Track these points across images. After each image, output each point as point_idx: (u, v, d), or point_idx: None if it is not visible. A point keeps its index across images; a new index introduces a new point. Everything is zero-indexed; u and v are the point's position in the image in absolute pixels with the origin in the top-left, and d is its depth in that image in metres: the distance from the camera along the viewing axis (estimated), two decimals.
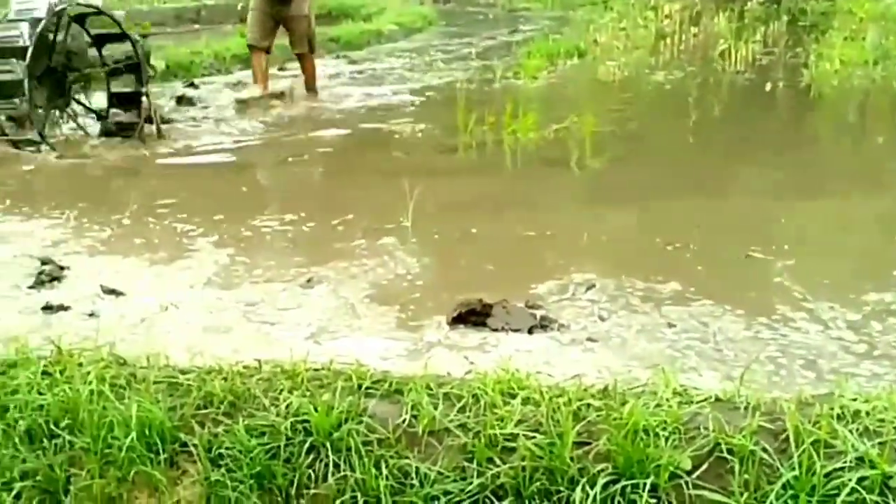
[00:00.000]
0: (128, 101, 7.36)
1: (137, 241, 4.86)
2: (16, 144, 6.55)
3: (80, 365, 2.88)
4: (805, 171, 6.11)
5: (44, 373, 2.86)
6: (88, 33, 7.16)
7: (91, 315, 3.86)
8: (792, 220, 4.98)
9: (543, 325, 3.56)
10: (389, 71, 11.21)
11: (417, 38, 14.68)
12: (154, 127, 7.32)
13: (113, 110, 7.47)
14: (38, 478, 2.62)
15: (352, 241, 4.71)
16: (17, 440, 2.66)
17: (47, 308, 3.94)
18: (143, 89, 7.26)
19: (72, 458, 2.67)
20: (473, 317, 3.59)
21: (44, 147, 6.61)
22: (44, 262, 4.43)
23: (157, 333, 3.59)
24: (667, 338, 3.48)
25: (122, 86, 7.36)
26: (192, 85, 10.06)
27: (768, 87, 9.07)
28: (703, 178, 6.01)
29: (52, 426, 2.69)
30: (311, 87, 9.35)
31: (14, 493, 2.60)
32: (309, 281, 4.16)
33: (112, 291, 4.11)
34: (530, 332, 3.52)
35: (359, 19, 15.52)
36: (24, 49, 6.33)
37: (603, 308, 3.75)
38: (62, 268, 4.40)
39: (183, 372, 2.90)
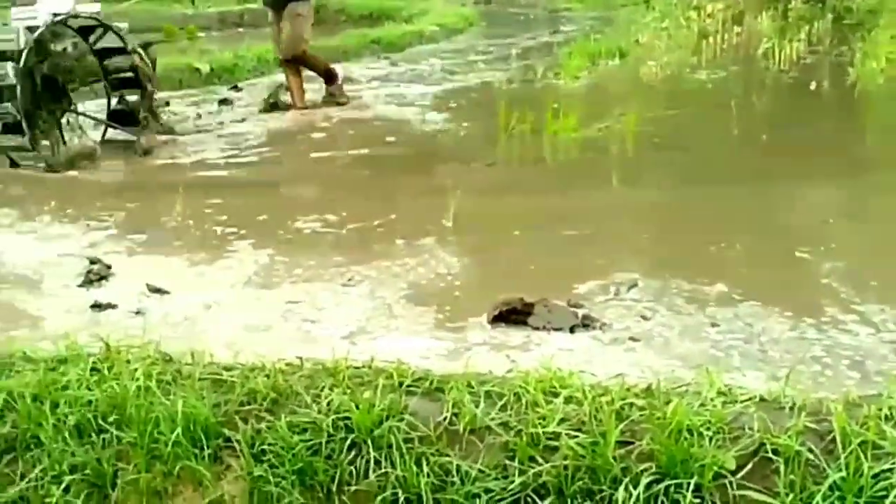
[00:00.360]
0: (128, 115, 7.30)
1: (177, 243, 4.89)
2: (7, 153, 6.44)
3: (128, 362, 2.93)
4: (852, 170, 6.02)
5: (93, 369, 2.91)
6: (91, 46, 7.07)
7: (137, 313, 3.92)
8: (840, 221, 4.91)
9: (585, 323, 3.54)
10: (430, 72, 11.23)
11: (459, 40, 14.70)
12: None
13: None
14: (87, 471, 2.67)
15: (393, 241, 4.72)
16: (66, 434, 2.71)
17: (95, 306, 4.00)
18: (144, 103, 7.23)
19: (119, 453, 2.71)
20: (514, 315, 3.58)
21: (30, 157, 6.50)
22: (92, 262, 4.50)
23: (199, 331, 3.63)
24: (710, 337, 3.45)
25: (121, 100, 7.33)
26: (235, 87, 10.16)
27: (813, 85, 8.94)
28: (748, 177, 5.94)
29: (100, 421, 2.74)
30: (294, 102, 8.74)
31: (63, 486, 2.65)
32: (350, 280, 4.18)
33: (157, 290, 4.17)
34: (572, 330, 3.50)
35: (400, 21, 15.58)
36: (19, 53, 6.27)
37: (645, 307, 3.72)
38: (109, 267, 4.46)
39: (227, 369, 2.94)
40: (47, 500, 2.66)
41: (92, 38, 7.07)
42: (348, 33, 13.77)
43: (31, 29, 6.38)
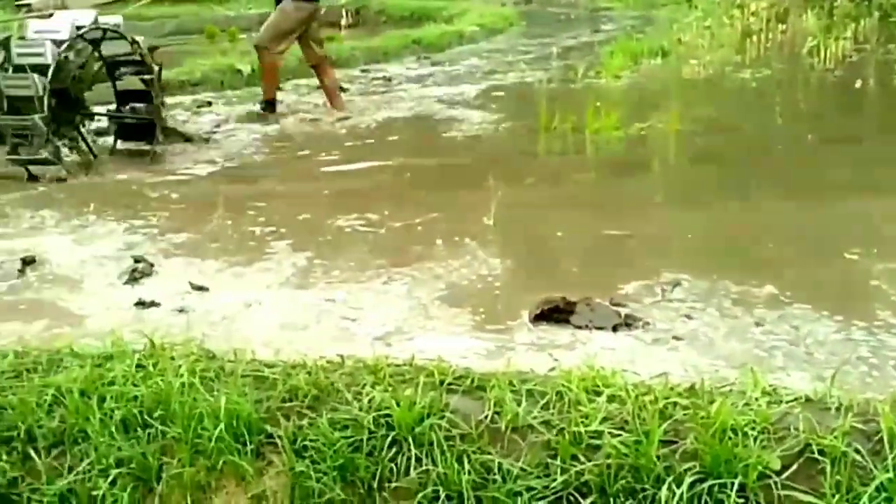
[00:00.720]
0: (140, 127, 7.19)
1: (216, 244, 4.92)
2: (27, 165, 6.37)
3: (172, 358, 2.96)
4: None
5: (138, 365, 2.95)
6: (101, 57, 6.92)
7: (180, 311, 3.96)
8: (889, 222, 4.82)
9: (628, 322, 3.52)
10: (471, 71, 11.22)
11: (499, 39, 14.66)
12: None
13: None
14: (132, 465, 2.70)
15: (434, 240, 4.72)
16: (113, 429, 2.75)
17: (139, 303, 4.05)
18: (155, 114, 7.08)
19: (164, 447, 2.74)
20: (556, 314, 3.57)
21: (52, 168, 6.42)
22: (136, 260, 4.55)
23: (238, 329, 3.65)
24: (754, 338, 3.42)
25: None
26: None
27: (858, 84, 8.82)
28: (793, 176, 5.87)
29: (145, 416, 2.77)
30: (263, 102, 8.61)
31: (110, 479, 2.68)
32: (389, 279, 4.19)
33: (200, 288, 4.21)
34: (614, 329, 3.49)
35: (440, 21, 15.58)
36: (47, 67, 6.23)
37: (689, 307, 3.69)
38: (152, 265, 4.52)
39: (269, 366, 2.96)
40: (94, 492, 2.69)
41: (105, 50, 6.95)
42: (389, 34, 13.81)
43: (56, 42, 6.34)
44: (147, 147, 7.04)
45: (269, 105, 8.64)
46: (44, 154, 6.29)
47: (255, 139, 7.81)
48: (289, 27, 8.38)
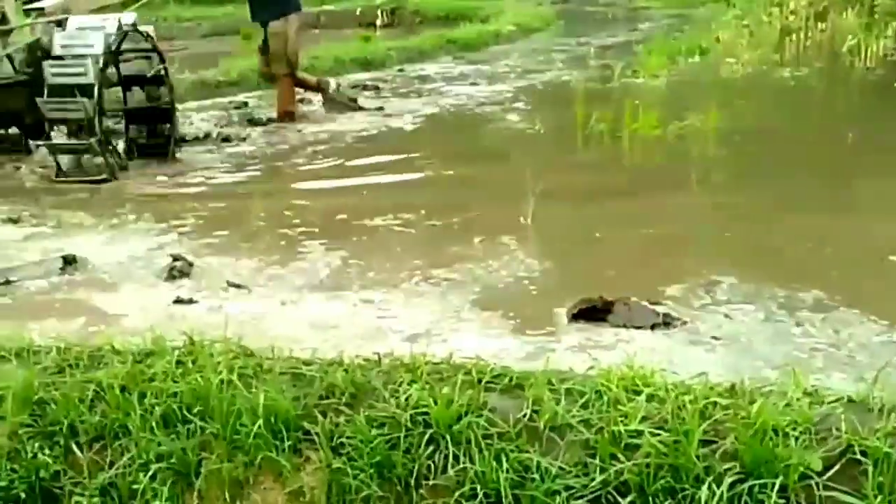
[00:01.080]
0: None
1: (250, 244, 4.95)
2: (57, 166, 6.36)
3: (211, 356, 2.98)
4: None
5: (178, 362, 2.97)
6: (119, 71, 6.96)
7: (217, 308, 3.98)
8: None
9: (666, 322, 3.50)
10: (507, 71, 11.21)
11: (536, 39, 14.64)
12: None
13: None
14: (172, 460, 2.73)
15: (472, 239, 4.72)
16: (153, 425, 2.77)
17: (178, 301, 4.09)
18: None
19: (203, 443, 2.76)
20: (594, 313, 3.55)
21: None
22: (175, 259, 4.59)
23: (270, 328, 3.66)
24: (794, 339, 3.38)
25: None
26: None
27: None
28: (833, 177, 5.81)
29: (185, 412, 2.79)
30: (280, 115, 8.48)
31: (150, 473, 2.71)
32: (425, 279, 4.18)
33: (237, 286, 4.24)
34: (652, 329, 3.46)
35: (476, 21, 15.58)
36: (91, 87, 6.19)
37: (729, 308, 3.66)
38: (191, 264, 4.55)
39: (306, 363, 2.97)
40: (134, 486, 2.72)
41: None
42: (425, 34, 13.83)
43: (94, 59, 6.26)
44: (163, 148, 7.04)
45: (289, 115, 8.57)
46: (91, 143, 6.23)
47: (291, 138, 7.85)
48: (294, 40, 8.45)
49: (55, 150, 6.40)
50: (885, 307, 3.60)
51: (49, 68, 6.25)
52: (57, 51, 6.30)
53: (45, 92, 6.24)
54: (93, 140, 6.27)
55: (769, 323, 3.52)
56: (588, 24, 16.09)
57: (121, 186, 6.34)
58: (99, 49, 6.30)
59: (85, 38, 6.33)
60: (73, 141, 6.42)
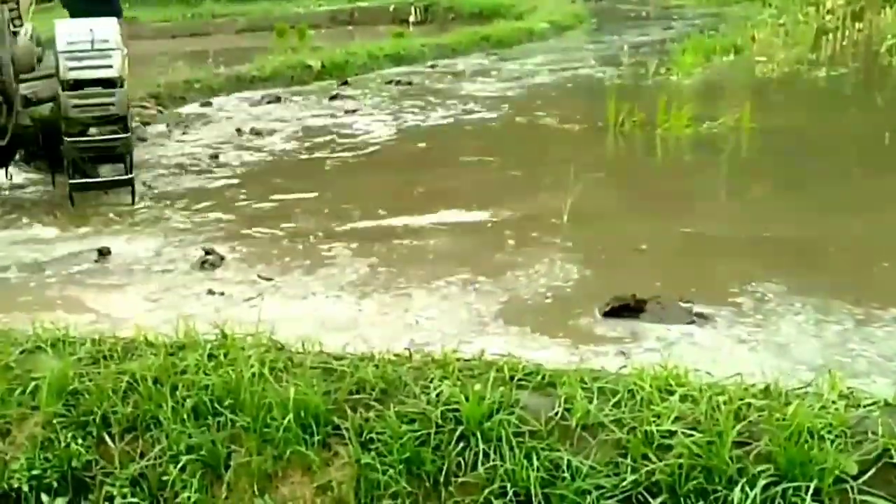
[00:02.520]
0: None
1: (283, 242, 4.95)
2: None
3: (243, 349, 2.98)
4: None
5: (209, 355, 2.98)
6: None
7: (248, 300, 4.00)
8: None
9: (698, 321, 3.46)
10: (540, 68, 11.17)
11: (569, 36, 14.59)
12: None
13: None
14: (202, 452, 2.73)
15: (505, 237, 4.70)
16: (184, 416, 2.78)
17: (210, 293, 4.11)
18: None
19: (233, 436, 2.76)
20: (626, 311, 3.53)
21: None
22: (207, 252, 4.61)
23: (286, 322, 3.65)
24: (833, 341, 3.33)
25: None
26: (345, 83, 10.32)
27: None
28: (869, 179, 5.72)
29: (216, 405, 2.79)
30: None
31: (180, 465, 2.72)
32: (456, 279, 4.17)
33: (267, 279, 4.26)
34: (685, 327, 3.43)
35: (510, 18, 15.56)
36: (120, 79, 5.49)
37: (765, 308, 3.61)
38: (222, 258, 4.57)
39: (337, 358, 2.97)
40: (164, 478, 2.73)
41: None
42: (459, 31, 13.83)
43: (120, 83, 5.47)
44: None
45: None
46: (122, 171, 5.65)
47: (316, 132, 7.87)
48: None
49: (89, 187, 5.68)
50: None
51: (66, 62, 5.39)
52: (63, 46, 5.39)
53: (61, 89, 5.43)
54: (132, 176, 5.66)
55: (808, 325, 3.48)
56: (621, 22, 16.01)
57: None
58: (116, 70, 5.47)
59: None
60: (111, 178, 5.71)
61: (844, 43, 10.89)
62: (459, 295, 4.02)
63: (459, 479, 2.56)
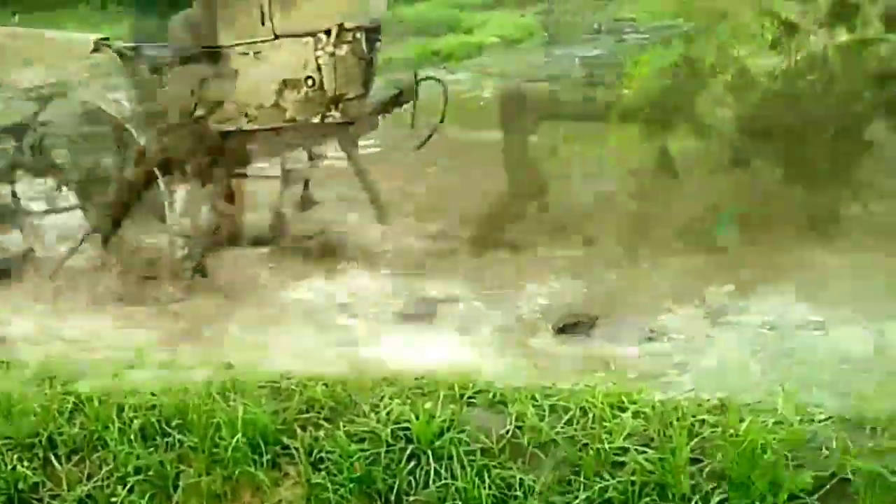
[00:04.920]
0: None
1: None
2: None
3: (191, 368, 2.93)
4: None
5: (157, 375, 2.92)
6: None
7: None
8: None
9: (651, 338, 3.45)
10: (488, 81, 11.16)
11: (520, 49, 14.63)
12: None
13: None
14: (150, 473, 2.69)
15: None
16: (131, 437, 2.72)
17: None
18: None
19: (181, 456, 2.72)
20: (578, 327, 3.52)
21: None
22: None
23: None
24: (787, 360, 3.31)
25: None
26: None
27: None
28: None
29: (164, 425, 2.74)
30: None
31: (128, 486, 2.66)
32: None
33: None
34: (638, 344, 3.42)
35: (459, 32, 15.57)
36: None
37: (720, 322, 3.57)
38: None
39: (286, 377, 2.93)
40: (113, 499, 2.68)
41: None
42: (408, 43, 13.81)
43: None
44: None
45: None
46: None
47: None
48: None
49: None
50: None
51: None
52: None
53: None
54: None
55: (765, 339, 3.44)
56: (573, 35, 16.10)
57: None
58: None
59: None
60: None
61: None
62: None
63: (411, 498, 2.54)
